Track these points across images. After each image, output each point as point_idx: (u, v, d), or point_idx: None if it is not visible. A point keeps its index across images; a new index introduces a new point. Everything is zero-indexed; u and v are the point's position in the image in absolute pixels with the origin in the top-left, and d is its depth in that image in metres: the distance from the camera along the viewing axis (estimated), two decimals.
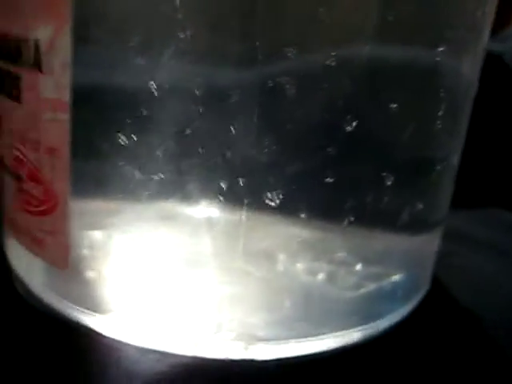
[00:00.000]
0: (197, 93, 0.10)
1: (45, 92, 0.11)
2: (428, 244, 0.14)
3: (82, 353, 0.12)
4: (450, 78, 0.12)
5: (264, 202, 0.11)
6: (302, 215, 0.11)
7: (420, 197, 0.13)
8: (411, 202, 0.12)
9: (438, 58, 0.12)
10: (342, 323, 0.13)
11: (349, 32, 0.11)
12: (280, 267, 0.12)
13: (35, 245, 0.12)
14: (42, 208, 0.12)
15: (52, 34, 0.11)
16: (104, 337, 0.12)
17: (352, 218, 0.12)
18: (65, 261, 0.12)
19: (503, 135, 0.20)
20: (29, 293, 0.13)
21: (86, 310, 0.12)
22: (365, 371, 0.12)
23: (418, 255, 0.14)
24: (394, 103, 0.11)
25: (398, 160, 0.12)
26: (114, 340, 0.12)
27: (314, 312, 0.13)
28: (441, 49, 0.12)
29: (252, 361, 0.12)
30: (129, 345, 0.12)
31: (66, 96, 0.11)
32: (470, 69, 0.13)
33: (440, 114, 0.12)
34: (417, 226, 0.13)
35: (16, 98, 0.12)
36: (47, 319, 0.13)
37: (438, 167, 0.13)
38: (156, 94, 0.10)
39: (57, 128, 0.11)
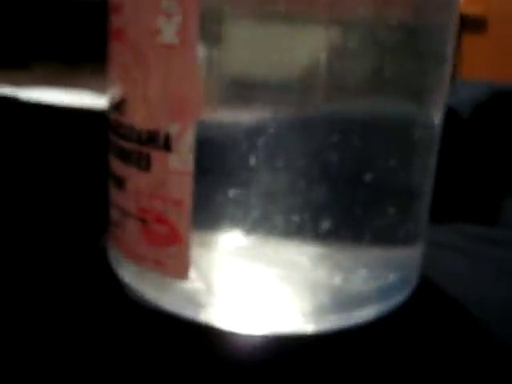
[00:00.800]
0: None
1: (173, 165, 0.17)
2: (416, 251, 0.21)
3: (205, 347, 0.17)
4: (424, 128, 0.19)
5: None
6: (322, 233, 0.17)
7: (409, 217, 0.19)
8: (404, 221, 0.19)
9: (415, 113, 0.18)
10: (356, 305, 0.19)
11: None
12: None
13: (158, 265, 0.18)
14: (166, 241, 0.18)
15: (180, 129, 0.17)
16: (218, 329, 0.18)
17: (361, 237, 0.18)
18: (185, 274, 0.18)
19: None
20: (143, 299, 0.19)
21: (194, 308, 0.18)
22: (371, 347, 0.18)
23: (409, 259, 0.20)
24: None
25: (395, 194, 0.18)
26: (226, 331, 0.18)
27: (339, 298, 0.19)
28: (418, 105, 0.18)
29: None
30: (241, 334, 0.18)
31: (190, 167, 0.17)
32: (439, 120, 0.20)
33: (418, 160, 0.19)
34: (408, 238, 0.20)
35: (145, 168, 0.17)
36: (162, 318, 0.18)
37: (420, 196, 0.19)
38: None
39: (182, 187, 0.17)
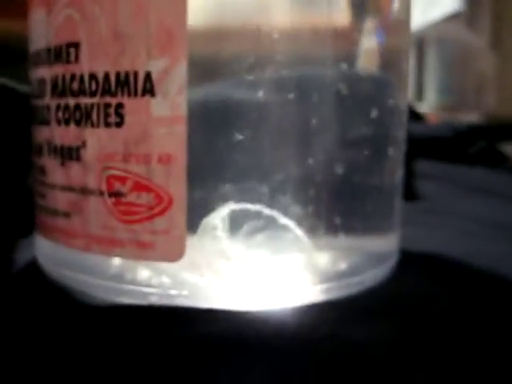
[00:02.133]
0: None
1: (157, 111, 0.14)
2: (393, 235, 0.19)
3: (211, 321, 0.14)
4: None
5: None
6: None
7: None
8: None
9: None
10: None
11: None
12: None
13: (141, 249, 0.14)
14: (151, 212, 0.14)
15: (167, 66, 0.13)
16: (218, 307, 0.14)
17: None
18: (180, 253, 0.14)
19: None
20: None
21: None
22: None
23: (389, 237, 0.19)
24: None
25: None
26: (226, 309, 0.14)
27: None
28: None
29: None
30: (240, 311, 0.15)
31: (183, 111, 0.14)
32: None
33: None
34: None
35: (116, 123, 0.14)
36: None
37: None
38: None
39: (173, 139, 0.14)
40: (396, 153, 0.17)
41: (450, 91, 0.95)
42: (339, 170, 0.15)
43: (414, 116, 0.47)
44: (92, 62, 0.14)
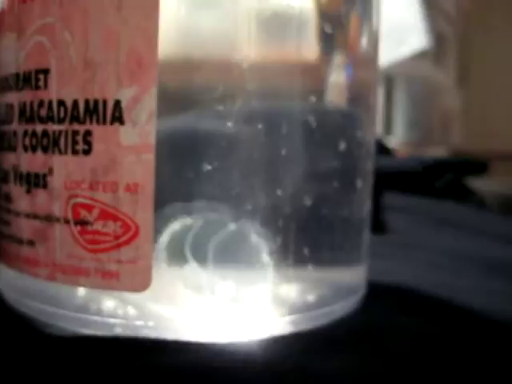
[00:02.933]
0: None
1: (126, 140, 0.13)
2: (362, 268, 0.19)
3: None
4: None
5: None
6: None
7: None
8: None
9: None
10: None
11: None
12: None
13: (107, 278, 0.14)
14: (118, 241, 0.14)
15: (136, 94, 0.13)
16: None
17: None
18: (146, 282, 0.14)
19: None
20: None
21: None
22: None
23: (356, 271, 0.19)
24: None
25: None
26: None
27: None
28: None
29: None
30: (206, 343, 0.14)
31: (152, 139, 0.13)
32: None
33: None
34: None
35: (84, 151, 0.14)
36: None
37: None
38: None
39: (141, 167, 0.13)
40: (364, 185, 0.17)
41: (417, 126, 0.97)
42: (308, 201, 0.15)
43: (383, 150, 0.48)
44: (61, 89, 0.14)
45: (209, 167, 0.14)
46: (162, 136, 0.14)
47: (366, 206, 0.18)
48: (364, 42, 0.18)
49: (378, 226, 0.28)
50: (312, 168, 0.15)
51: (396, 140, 0.88)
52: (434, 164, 0.42)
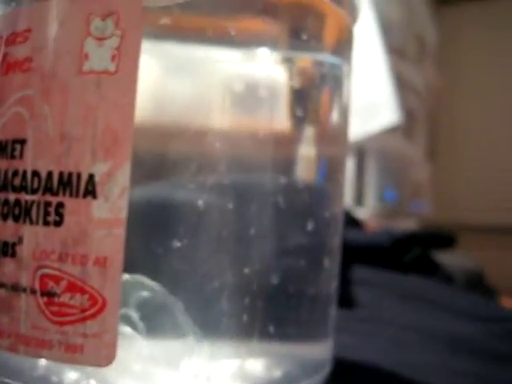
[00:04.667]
0: None
1: (98, 213, 0.14)
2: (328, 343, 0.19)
3: None
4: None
5: None
6: None
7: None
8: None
9: None
10: None
11: None
12: None
13: (71, 352, 0.14)
14: (84, 315, 0.14)
15: (110, 169, 0.14)
16: None
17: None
18: (110, 357, 0.14)
19: None
20: None
21: None
22: None
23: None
24: None
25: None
26: None
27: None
28: None
29: None
30: None
31: (123, 214, 0.14)
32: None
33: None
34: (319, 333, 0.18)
35: (55, 223, 0.14)
36: None
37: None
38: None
39: (111, 241, 0.14)
40: (331, 262, 0.18)
41: (388, 198, 0.99)
42: (274, 279, 0.15)
43: (353, 222, 0.48)
44: (36, 160, 0.14)
45: (178, 244, 0.14)
46: (133, 209, 0.14)
47: (333, 283, 0.18)
48: (334, 117, 0.19)
49: (345, 299, 0.28)
50: (280, 246, 0.16)
51: (366, 211, 0.90)
52: (403, 238, 0.43)
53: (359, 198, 0.92)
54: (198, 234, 0.14)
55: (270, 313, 0.16)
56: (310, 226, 0.16)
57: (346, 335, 0.20)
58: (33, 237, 0.14)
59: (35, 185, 0.14)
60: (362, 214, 0.83)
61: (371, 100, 0.77)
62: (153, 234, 0.14)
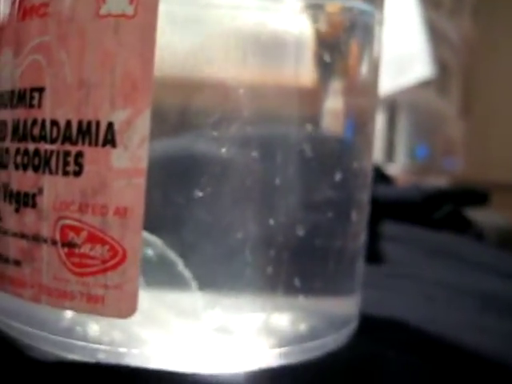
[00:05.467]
0: None
1: (118, 163, 0.13)
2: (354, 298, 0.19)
3: None
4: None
5: None
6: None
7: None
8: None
9: None
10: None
11: None
12: None
13: (92, 303, 0.14)
14: (105, 266, 0.14)
15: (130, 117, 0.13)
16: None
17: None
18: (132, 309, 0.14)
19: None
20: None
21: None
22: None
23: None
24: None
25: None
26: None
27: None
28: None
29: None
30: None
31: (143, 164, 0.13)
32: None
33: None
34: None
35: (74, 172, 0.14)
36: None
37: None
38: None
39: (131, 191, 0.13)
40: (359, 216, 0.17)
41: (419, 154, 0.97)
42: (300, 231, 0.15)
43: (383, 178, 0.48)
44: (55, 109, 0.14)
45: (200, 194, 0.14)
46: (155, 160, 0.13)
47: (360, 237, 0.18)
48: (364, 69, 0.18)
49: (374, 255, 0.28)
50: (306, 197, 0.15)
51: (397, 167, 0.88)
52: (434, 194, 0.42)
53: (390, 154, 0.90)
54: (220, 184, 0.14)
55: (296, 266, 0.15)
56: (337, 178, 0.16)
57: (373, 290, 0.19)
58: (53, 187, 0.14)
59: (54, 134, 0.14)
60: (393, 170, 0.82)
61: (403, 52, 0.74)
62: (174, 184, 0.14)
